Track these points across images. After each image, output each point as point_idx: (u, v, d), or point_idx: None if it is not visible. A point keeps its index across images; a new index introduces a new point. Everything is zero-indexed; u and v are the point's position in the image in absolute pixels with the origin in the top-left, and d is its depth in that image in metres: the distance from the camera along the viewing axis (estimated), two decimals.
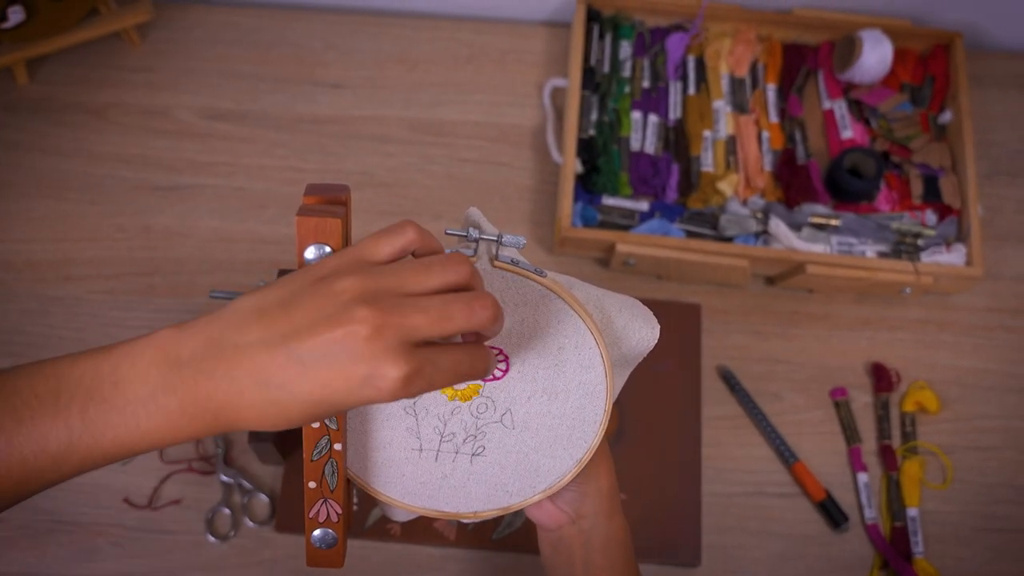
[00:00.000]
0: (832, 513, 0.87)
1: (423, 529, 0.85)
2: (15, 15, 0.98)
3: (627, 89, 1.03)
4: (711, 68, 1.04)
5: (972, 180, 0.96)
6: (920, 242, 0.94)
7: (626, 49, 1.05)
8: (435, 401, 0.55)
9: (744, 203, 0.97)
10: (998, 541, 0.88)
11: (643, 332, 0.58)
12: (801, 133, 1.02)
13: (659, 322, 0.59)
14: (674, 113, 1.03)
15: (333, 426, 0.50)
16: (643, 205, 0.97)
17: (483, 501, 0.57)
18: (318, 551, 0.54)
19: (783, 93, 1.04)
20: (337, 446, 0.51)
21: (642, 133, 1.01)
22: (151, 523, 0.86)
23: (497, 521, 0.86)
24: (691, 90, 1.04)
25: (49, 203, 0.99)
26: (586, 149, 0.98)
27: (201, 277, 0.96)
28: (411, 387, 0.41)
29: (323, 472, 0.52)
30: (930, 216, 0.97)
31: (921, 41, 1.05)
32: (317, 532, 0.54)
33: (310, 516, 0.53)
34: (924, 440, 0.91)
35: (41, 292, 0.94)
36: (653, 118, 1.02)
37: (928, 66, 1.05)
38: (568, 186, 0.94)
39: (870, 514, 0.88)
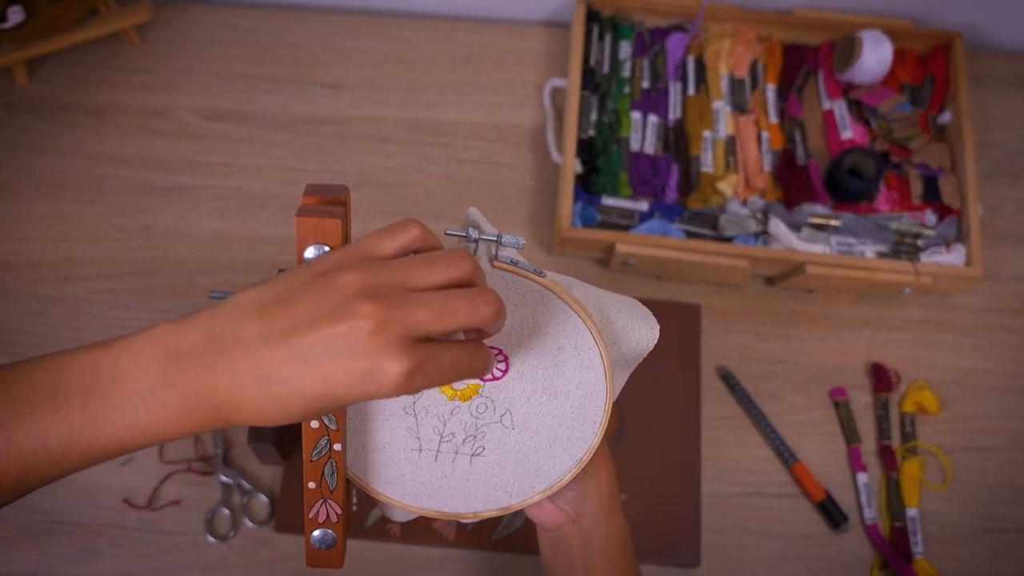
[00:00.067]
0: (832, 513, 0.87)
1: (423, 529, 0.85)
2: (15, 15, 0.98)
3: (627, 89, 1.03)
4: (711, 68, 1.04)
5: (972, 180, 0.96)
6: (920, 242, 0.94)
7: (626, 49, 1.05)
8: (434, 401, 0.54)
9: (744, 203, 0.97)
10: (998, 541, 0.88)
11: (643, 332, 0.58)
12: (801, 133, 1.02)
13: (659, 322, 0.59)
14: (674, 113, 1.03)
15: (332, 426, 0.50)
16: (643, 205, 0.97)
17: (483, 501, 0.57)
18: (318, 551, 0.54)
19: (783, 93, 1.04)
20: (337, 446, 0.51)
21: (642, 133, 1.01)
22: (151, 523, 0.85)
23: (496, 521, 0.86)
24: (691, 90, 1.04)
25: (49, 203, 0.99)
26: (586, 149, 0.98)
27: (200, 277, 0.96)
28: (412, 383, 0.41)
29: (323, 472, 0.52)
30: (930, 216, 0.97)
31: (921, 41, 1.05)
32: (317, 532, 0.54)
33: (309, 516, 0.53)
34: (924, 440, 0.91)
35: (41, 292, 0.94)
36: (653, 118, 1.02)
37: (928, 66, 1.05)
38: (568, 186, 0.94)
39: (870, 514, 0.88)
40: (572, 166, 0.95)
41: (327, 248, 0.45)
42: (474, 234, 0.51)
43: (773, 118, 1.02)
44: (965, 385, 0.94)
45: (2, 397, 0.41)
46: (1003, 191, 1.03)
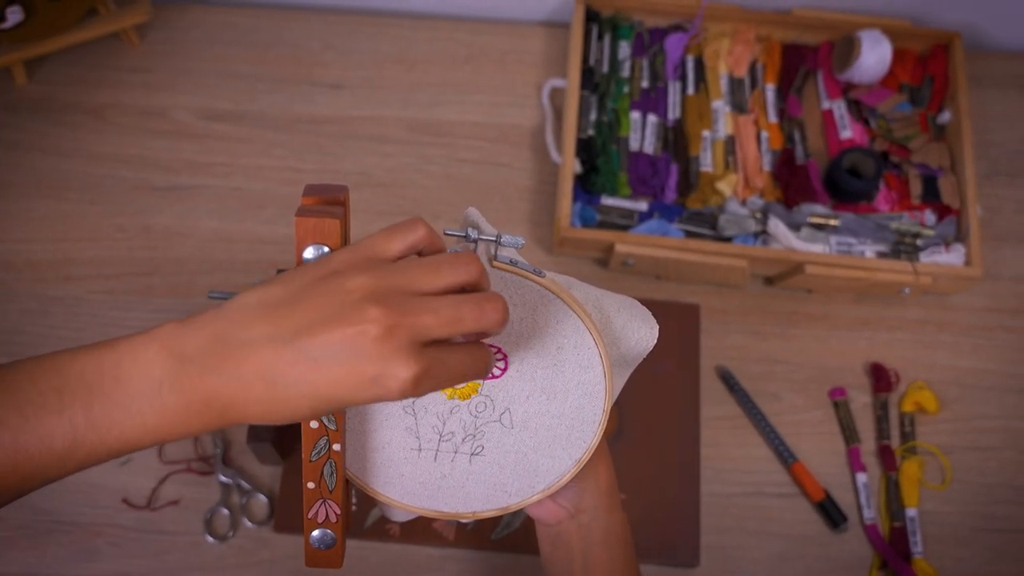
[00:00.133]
0: (831, 513, 0.87)
1: (422, 529, 0.85)
2: (14, 15, 0.98)
3: (626, 89, 1.03)
4: (710, 68, 1.04)
5: (971, 180, 0.96)
6: (919, 242, 0.94)
7: (625, 49, 1.05)
8: (434, 400, 0.54)
9: (743, 203, 0.97)
10: (997, 541, 0.88)
11: (642, 332, 0.58)
12: (800, 133, 1.02)
13: (658, 322, 0.59)
14: (673, 113, 1.03)
15: (332, 426, 0.50)
16: (642, 205, 0.97)
17: (482, 501, 0.57)
18: (317, 551, 0.54)
19: (782, 93, 1.04)
20: (336, 446, 0.51)
21: (641, 133, 1.01)
22: (150, 523, 0.85)
23: (496, 521, 0.86)
24: (690, 90, 1.04)
25: (49, 203, 0.99)
26: (585, 149, 0.98)
27: (200, 277, 0.96)
28: (420, 387, 0.41)
29: (322, 472, 0.52)
30: (929, 216, 0.97)
31: (920, 41, 1.05)
32: (316, 532, 0.54)
33: (309, 516, 0.53)
34: (923, 440, 0.91)
35: (41, 292, 0.94)
36: (652, 118, 1.02)
37: (927, 66, 1.05)
38: (567, 186, 0.94)
39: (869, 514, 0.88)
40: (571, 166, 0.95)
41: (326, 248, 0.45)
42: (473, 234, 0.51)
43: (772, 118, 1.02)
44: (964, 385, 0.94)
45: (5, 398, 0.41)
46: (1002, 191, 1.03)
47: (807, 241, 0.93)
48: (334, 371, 0.40)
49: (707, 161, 1.00)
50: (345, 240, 0.47)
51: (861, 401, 0.93)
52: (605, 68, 1.04)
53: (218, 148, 1.02)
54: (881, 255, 0.94)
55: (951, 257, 0.93)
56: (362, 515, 0.85)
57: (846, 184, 0.96)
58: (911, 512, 0.87)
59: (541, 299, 0.53)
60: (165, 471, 0.87)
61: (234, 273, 0.96)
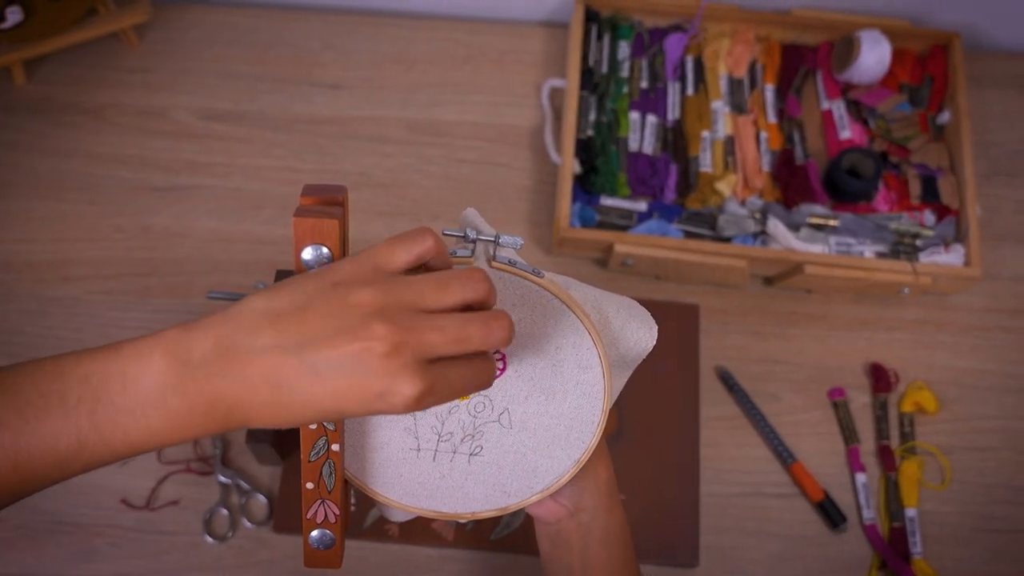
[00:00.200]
0: (830, 513, 0.87)
1: (421, 530, 0.85)
2: (13, 15, 0.98)
3: (625, 89, 1.03)
4: (709, 68, 1.04)
5: (970, 180, 0.96)
6: (918, 242, 0.94)
7: (624, 49, 1.05)
8: None
9: (742, 203, 0.97)
10: (996, 542, 0.88)
11: (641, 333, 0.58)
12: (799, 133, 1.02)
13: (657, 322, 0.59)
14: (672, 113, 1.03)
15: (331, 427, 0.50)
16: (641, 205, 0.97)
17: (481, 501, 0.57)
18: (316, 552, 0.54)
19: (781, 93, 1.04)
20: (335, 447, 0.51)
21: (640, 133, 1.01)
22: (149, 524, 0.85)
23: (495, 521, 0.86)
24: (689, 90, 1.04)
25: (47, 203, 0.99)
26: (584, 149, 0.98)
27: (199, 278, 0.95)
28: (423, 403, 0.42)
29: (321, 473, 0.52)
30: (928, 216, 0.97)
31: (919, 41, 1.05)
32: (315, 533, 0.53)
33: (308, 517, 0.53)
34: (922, 440, 0.91)
35: (40, 292, 0.94)
36: (651, 118, 1.02)
37: (926, 66, 1.05)
38: (566, 186, 0.94)
39: (868, 514, 0.87)
40: (571, 166, 0.95)
41: (325, 249, 0.45)
42: (472, 234, 0.51)
43: (772, 118, 1.02)
44: (964, 385, 0.94)
45: (6, 401, 0.41)
46: (1001, 191, 1.03)
47: (806, 241, 0.93)
48: (338, 384, 0.41)
49: (706, 161, 1.00)
50: (344, 240, 0.47)
51: (860, 401, 0.93)
52: (604, 68, 1.04)
53: (217, 148, 1.02)
54: (880, 255, 0.94)
55: (950, 257, 0.93)
56: (361, 515, 0.85)
57: (845, 184, 0.96)
58: (910, 512, 0.87)
59: (540, 299, 0.53)
60: (164, 471, 0.87)
61: (233, 273, 0.96)
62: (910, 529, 0.87)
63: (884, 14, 1.04)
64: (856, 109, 1.03)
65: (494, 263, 0.52)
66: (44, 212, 0.98)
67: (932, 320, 0.97)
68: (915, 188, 0.98)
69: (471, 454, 0.56)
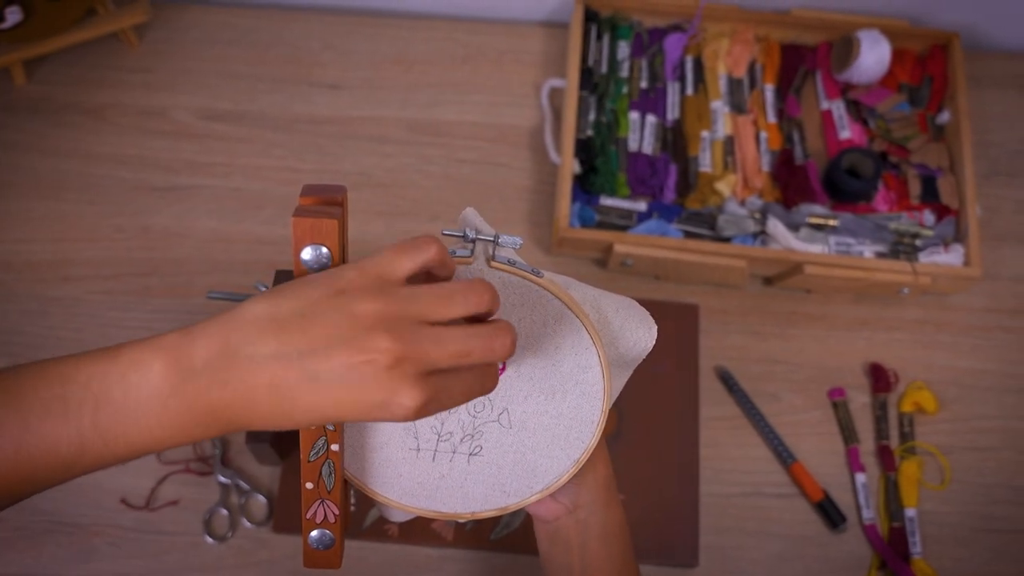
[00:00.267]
0: (830, 513, 0.87)
1: (421, 530, 0.85)
2: (13, 15, 0.98)
3: (625, 89, 1.03)
4: (709, 68, 1.04)
5: (970, 180, 0.96)
6: (918, 242, 0.94)
7: (624, 49, 1.05)
8: None
9: (742, 203, 0.97)
10: (996, 542, 0.88)
11: (640, 333, 0.58)
12: (799, 133, 1.02)
13: (657, 322, 0.59)
14: (672, 113, 1.03)
15: (330, 427, 0.50)
16: (641, 205, 0.97)
17: (481, 501, 0.57)
18: (315, 552, 0.54)
19: (781, 93, 1.04)
20: (334, 447, 0.51)
21: (640, 133, 1.01)
22: (148, 524, 0.85)
23: (495, 521, 0.86)
24: (689, 90, 1.04)
25: (47, 203, 0.99)
26: (584, 149, 0.98)
27: (199, 278, 0.95)
28: (424, 413, 0.42)
29: (320, 473, 0.52)
30: (928, 216, 0.97)
31: (919, 41, 1.05)
32: (314, 533, 0.53)
33: (307, 517, 0.53)
34: (922, 440, 0.91)
35: (40, 292, 0.94)
36: (651, 118, 1.02)
37: (926, 66, 1.05)
38: (566, 186, 0.94)
39: (868, 514, 0.87)
40: (570, 166, 0.95)
41: (324, 249, 0.45)
42: (471, 234, 0.51)
43: (771, 118, 1.02)
44: (963, 385, 0.94)
45: (6, 405, 0.41)
46: (1001, 191, 1.03)
47: (806, 241, 0.93)
48: (340, 393, 0.41)
49: (706, 161, 1.00)
50: (343, 241, 0.47)
51: (860, 401, 0.93)
52: (604, 68, 1.04)
53: (217, 148, 1.02)
54: (880, 255, 0.94)
55: (950, 257, 0.93)
56: (360, 515, 0.85)
57: (845, 184, 0.96)
58: (910, 512, 0.87)
59: (539, 299, 0.53)
60: (164, 471, 0.87)
61: (232, 274, 0.96)
62: (910, 529, 0.87)
63: (883, 14, 1.04)
64: (856, 109, 1.03)
65: (493, 263, 0.52)
66: (44, 212, 0.98)
67: (932, 320, 0.97)
68: (915, 188, 0.98)
69: (471, 454, 0.56)
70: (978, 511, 0.89)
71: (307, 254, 0.45)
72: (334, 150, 1.02)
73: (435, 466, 0.56)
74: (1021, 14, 1.07)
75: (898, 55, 1.04)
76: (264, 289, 0.55)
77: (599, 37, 1.05)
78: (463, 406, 0.55)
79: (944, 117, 1.01)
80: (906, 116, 1.01)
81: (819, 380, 0.93)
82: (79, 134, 1.02)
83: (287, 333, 0.41)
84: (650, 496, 0.87)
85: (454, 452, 0.55)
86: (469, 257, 0.52)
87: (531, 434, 0.55)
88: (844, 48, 1.02)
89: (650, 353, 0.59)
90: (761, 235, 0.95)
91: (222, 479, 0.86)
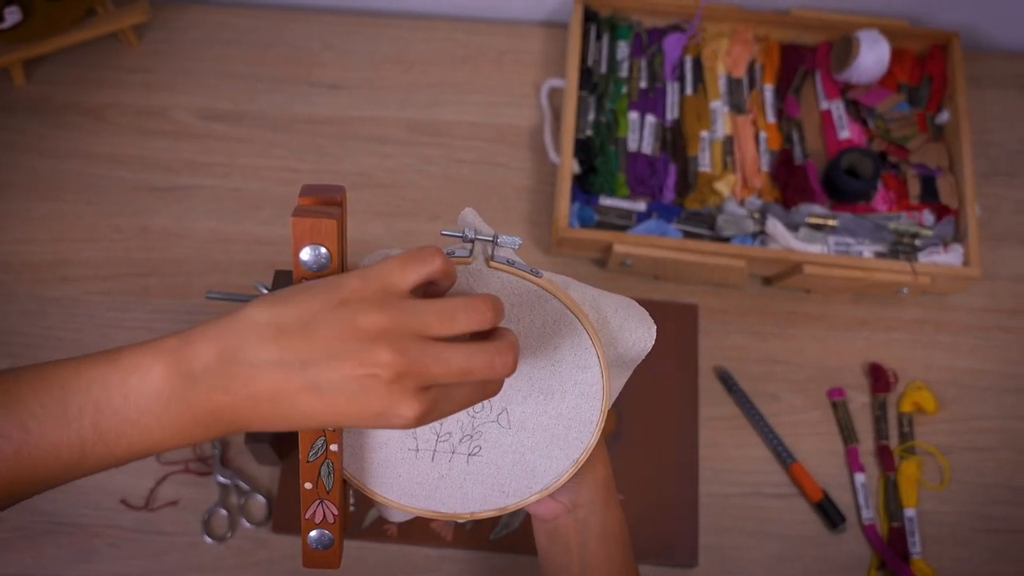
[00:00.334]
0: (829, 513, 0.87)
1: (420, 530, 0.85)
2: (12, 15, 0.98)
3: (624, 89, 1.03)
4: (708, 68, 1.04)
5: (969, 180, 0.96)
6: (917, 242, 0.94)
7: (623, 49, 1.05)
8: None
9: (741, 203, 0.97)
10: (995, 542, 0.88)
11: (639, 333, 0.58)
12: (798, 133, 1.02)
13: (656, 322, 0.59)
14: (671, 113, 1.03)
15: (330, 428, 0.50)
16: (640, 205, 0.97)
17: (480, 502, 0.57)
18: (314, 552, 0.54)
19: (780, 93, 1.04)
20: (333, 447, 0.51)
21: (639, 133, 1.01)
22: (148, 524, 0.85)
23: (494, 522, 0.86)
24: (688, 90, 1.04)
25: (46, 204, 0.99)
26: (583, 149, 0.98)
27: (198, 278, 0.95)
28: (423, 422, 0.43)
29: (319, 473, 0.52)
30: (927, 216, 0.97)
31: (918, 41, 1.05)
32: (313, 533, 0.54)
33: (306, 517, 0.53)
34: (921, 440, 0.91)
35: (39, 293, 0.94)
36: (650, 118, 1.02)
37: (925, 66, 1.05)
38: (565, 186, 0.94)
39: (867, 514, 0.88)
40: (570, 166, 0.95)
41: (323, 249, 0.45)
42: (470, 234, 0.51)
43: (771, 118, 1.02)
44: (963, 385, 0.94)
45: (7, 412, 0.41)
46: (1001, 191, 1.03)
47: (805, 241, 0.93)
48: (340, 403, 0.42)
49: (705, 161, 1.00)
50: (342, 240, 0.47)
51: (859, 401, 0.93)
52: (603, 68, 1.04)
53: (217, 148, 1.02)
54: (879, 255, 0.94)
55: (949, 257, 0.93)
56: (360, 515, 0.85)
57: (844, 184, 0.96)
58: (909, 512, 0.87)
59: (538, 299, 0.53)
60: (163, 472, 0.87)
61: (231, 274, 0.96)
62: (909, 529, 0.87)
63: (883, 14, 1.04)
64: (855, 109, 1.03)
65: (492, 263, 0.52)
66: (43, 212, 0.98)
67: (931, 320, 0.97)
68: (914, 188, 0.98)
69: (470, 454, 0.56)
70: (977, 511, 0.89)
71: (306, 254, 0.45)
72: (334, 150, 1.02)
73: (434, 466, 0.56)
74: (1021, 14, 1.07)
75: (897, 55, 1.04)
76: (264, 289, 0.55)
77: (598, 37, 1.05)
78: None
79: (943, 117, 1.01)
80: (905, 116, 1.01)
81: (818, 380, 0.93)
82: (78, 134, 1.02)
83: (289, 340, 0.41)
84: (649, 496, 0.87)
85: (453, 452, 0.56)
86: (468, 257, 0.52)
87: (530, 434, 0.55)
88: (843, 48, 1.02)
89: (649, 353, 0.59)
90: (760, 235, 0.95)
91: (221, 479, 0.86)
